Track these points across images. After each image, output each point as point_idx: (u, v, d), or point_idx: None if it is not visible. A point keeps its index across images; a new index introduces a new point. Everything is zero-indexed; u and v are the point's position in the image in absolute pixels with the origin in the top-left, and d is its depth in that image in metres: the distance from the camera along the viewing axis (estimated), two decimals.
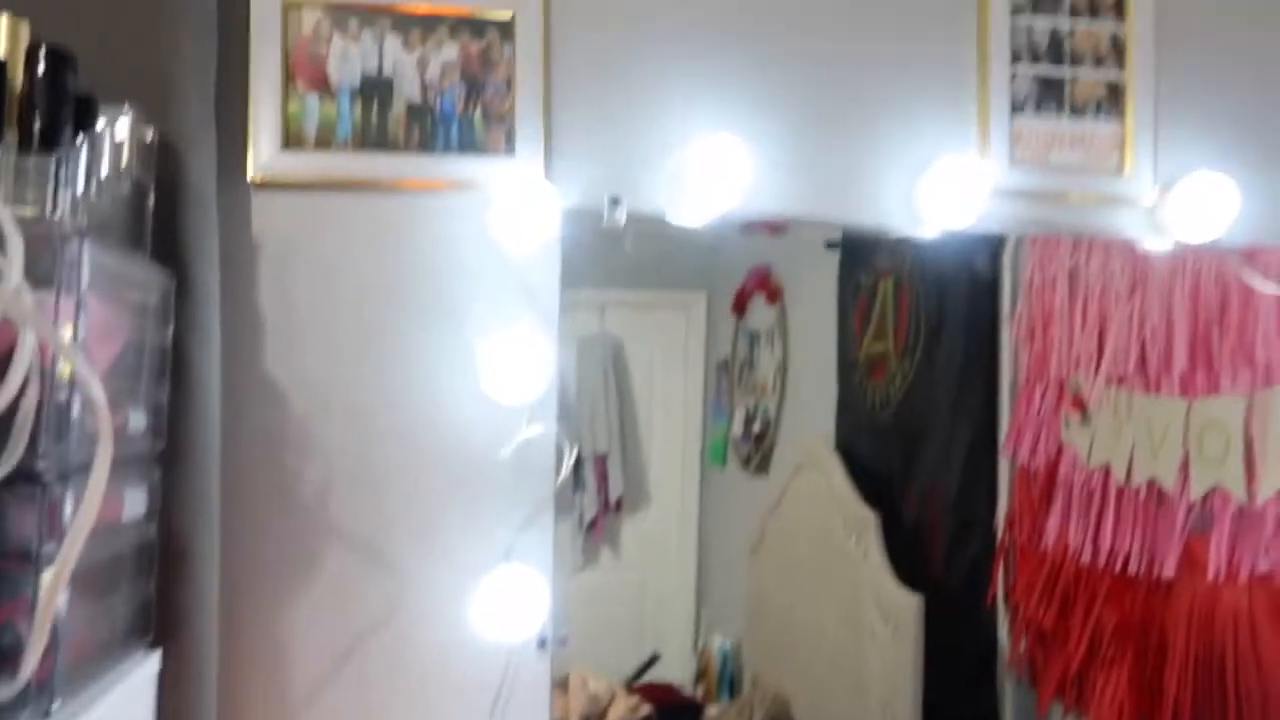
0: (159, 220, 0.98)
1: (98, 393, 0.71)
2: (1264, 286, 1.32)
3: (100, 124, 0.89)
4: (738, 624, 1.84)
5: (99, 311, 0.83)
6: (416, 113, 1.13)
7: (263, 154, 1.10)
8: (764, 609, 1.85)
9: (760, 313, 1.89)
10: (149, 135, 0.98)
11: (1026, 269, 1.67)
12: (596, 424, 1.82)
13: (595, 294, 1.76)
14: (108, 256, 0.85)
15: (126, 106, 0.93)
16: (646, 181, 1.16)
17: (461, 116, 1.13)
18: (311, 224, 1.11)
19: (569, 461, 1.11)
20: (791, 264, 1.81)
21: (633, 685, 1.66)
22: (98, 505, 0.72)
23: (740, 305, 1.91)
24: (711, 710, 1.71)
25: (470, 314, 1.11)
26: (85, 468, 0.73)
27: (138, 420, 0.92)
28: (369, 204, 1.12)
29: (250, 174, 1.10)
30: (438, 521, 1.11)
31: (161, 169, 0.99)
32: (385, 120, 1.12)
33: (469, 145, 1.13)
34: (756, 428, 1.89)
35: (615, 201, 1.12)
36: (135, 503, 0.93)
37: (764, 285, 1.89)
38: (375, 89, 1.12)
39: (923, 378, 1.75)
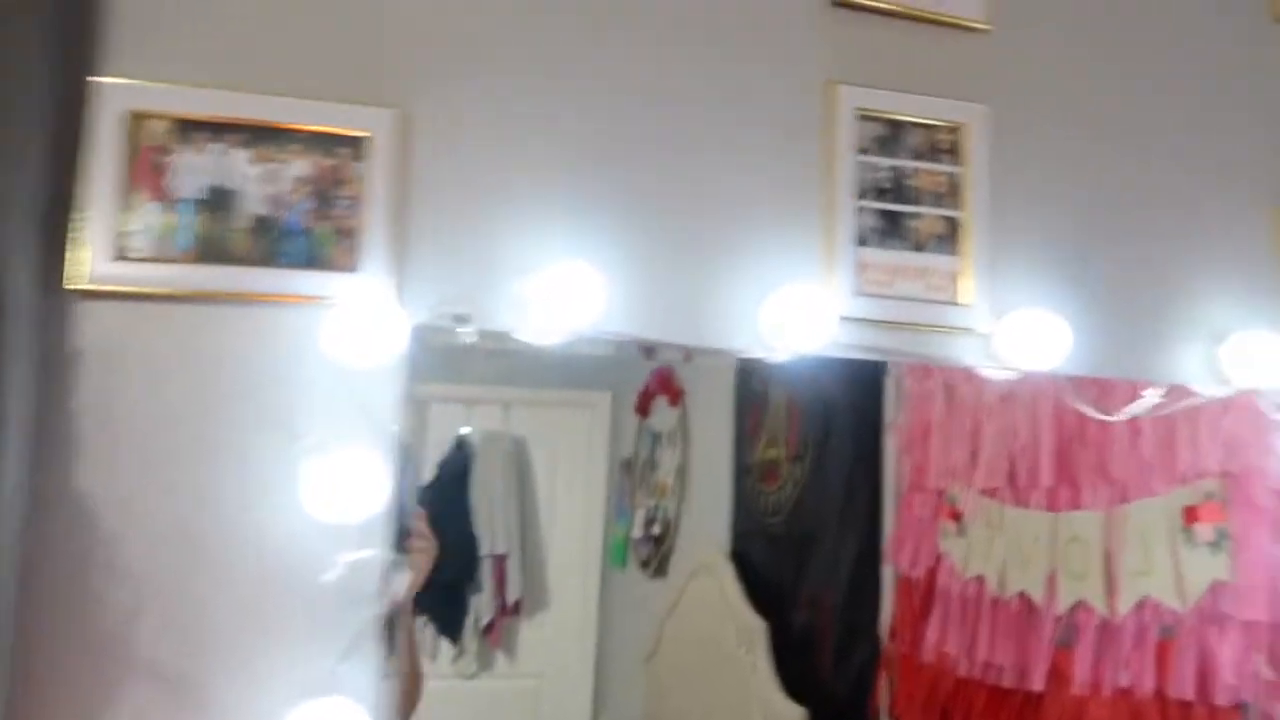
0: None
1: None
2: (1094, 414, 1.38)
3: None
4: None
5: None
6: (262, 225, 1.12)
7: (94, 262, 1.07)
8: (660, 718, 1.80)
9: (663, 414, 1.89)
10: None
11: (908, 380, 1.72)
12: (495, 523, 1.78)
13: (499, 391, 1.75)
14: None
15: None
16: (498, 300, 1.16)
17: (308, 231, 1.12)
18: (142, 335, 1.08)
19: (404, 586, 1.07)
20: (693, 367, 1.84)
21: None
22: None
23: (644, 406, 1.92)
24: None
25: (304, 431, 1.09)
26: None
27: None
28: (205, 315, 1.09)
29: (77, 282, 1.07)
30: (256, 650, 1.05)
31: None
32: (228, 232, 1.11)
33: (315, 260, 1.12)
34: (656, 529, 1.87)
35: (461, 319, 1.13)
36: None
37: (666, 387, 1.91)
38: (220, 200, 1.11)
39: (813, 485, 1.77)
